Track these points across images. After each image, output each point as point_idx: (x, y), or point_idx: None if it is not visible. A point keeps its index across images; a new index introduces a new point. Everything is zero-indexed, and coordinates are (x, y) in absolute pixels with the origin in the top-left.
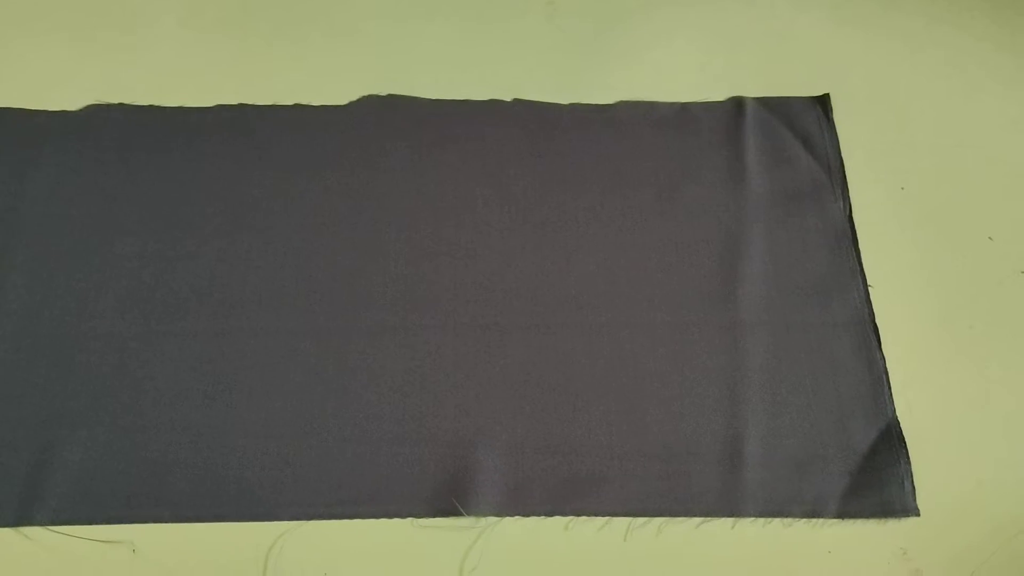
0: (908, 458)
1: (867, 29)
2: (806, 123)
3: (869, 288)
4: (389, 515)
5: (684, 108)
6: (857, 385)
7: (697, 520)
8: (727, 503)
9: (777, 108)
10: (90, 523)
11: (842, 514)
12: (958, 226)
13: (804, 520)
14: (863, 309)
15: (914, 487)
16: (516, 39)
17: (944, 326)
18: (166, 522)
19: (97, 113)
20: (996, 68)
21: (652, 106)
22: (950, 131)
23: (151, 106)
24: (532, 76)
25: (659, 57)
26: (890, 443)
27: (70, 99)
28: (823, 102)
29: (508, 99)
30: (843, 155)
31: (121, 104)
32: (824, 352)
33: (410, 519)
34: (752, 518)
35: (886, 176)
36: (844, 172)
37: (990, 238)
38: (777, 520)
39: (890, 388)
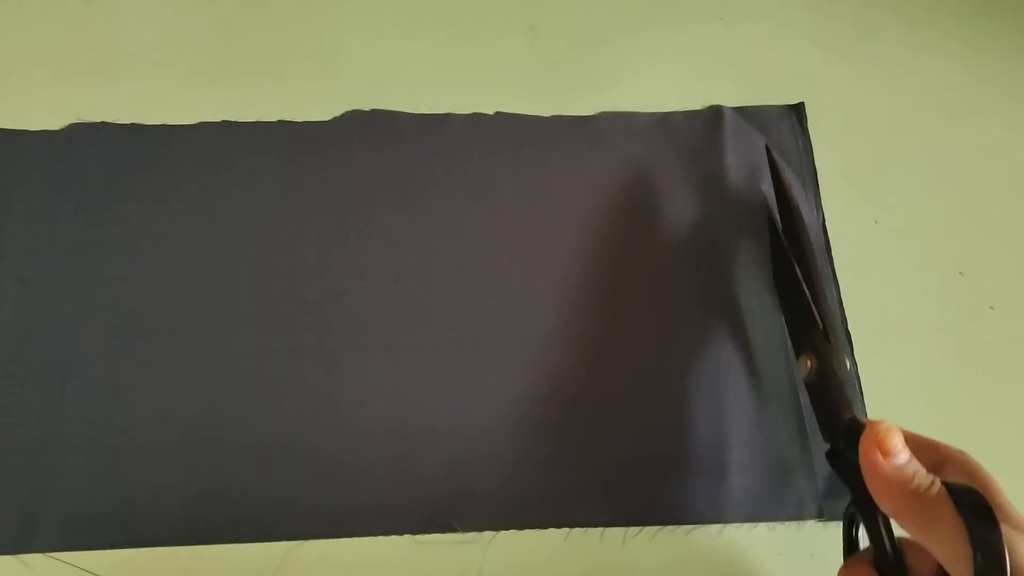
0: None
1: (845, 56)
2: (781, 131)
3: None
4: (386, 532)
5: (665, 118)
6: None
7: (687, 528)
8: (715, 510)
9: (753, 117)
10: (90, 549)
11: (822, 515)
12: (929, 261)
13: (786, 524)
14: (837, 315)
15: None
16: (498, 65)
17: (912, 361)
18: (164, 545)
19: (80, 132)
20: (972, 98)
21: (633, 117)
22: (924, 163)
23: (134, 124)
24: (514, 99)
25: (639, 82)
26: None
27: (51, 119)
28: (798, 110)
29: (490, 112)
30: (819, 188)
31: (103, 122)
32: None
33: (408, 536)
34: (738, 523)
35: (860, 210)
36: (817, 181)
37: (960, 273)
38: (762, 524)
39: (862, 393)
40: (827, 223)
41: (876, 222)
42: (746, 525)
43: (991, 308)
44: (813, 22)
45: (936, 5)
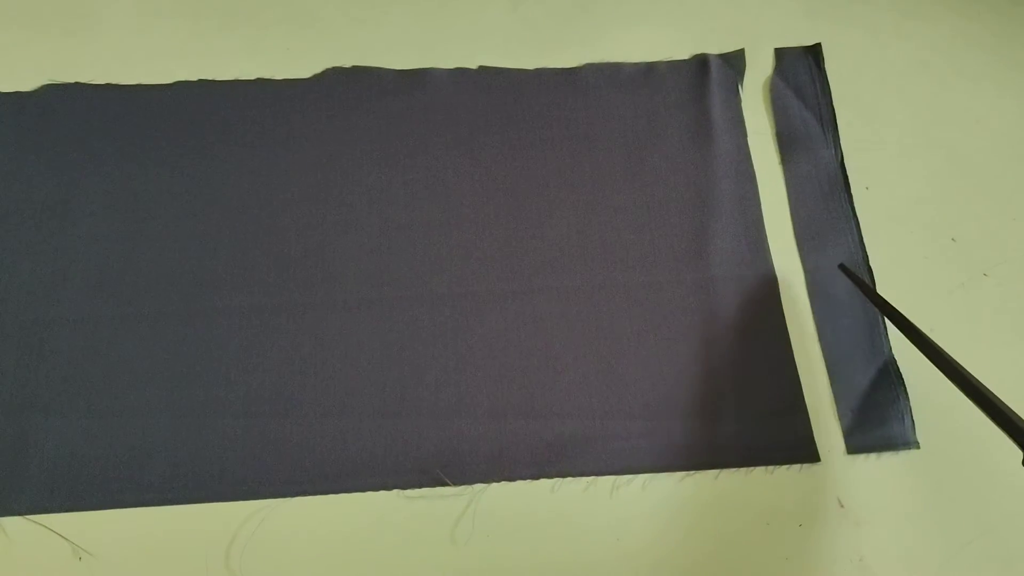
0: (907, 395)
1: (836, 21)
2: (797, 73)
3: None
4: (375, 488)
5: (650, 68)
6: (852, 327)
7: (680, 474)
8: (709, 456)
9: (736, 63)
10: (71, 510)
11: (847, 450)
12: (922, 227)
13: (785, 467)
14: (858, 252)
15: (914, 422)
16: (480, 29)
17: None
18: (148, 506)
19: (53, 92)
20: (963, 63)
21: (618, 67)
22: (915, 129)
23: (108, 84)
24: (496, 61)
25: (624, 45)
26: (888, 381)
27: (24, 80)
28: (815, 52)
29: (474, 67)
30: (837, 128)
31: (77, 83)
32: (819, 297)
33: (396, 491)
34: (734, 468)
35: (852, 175)
36: (835, 121)
37: (953, 239)
38: (760, 468)
39: (886, 329)
40: None
41: (867, 188)
42: (743, 469)
43: (984, 275)
44: None
45: None
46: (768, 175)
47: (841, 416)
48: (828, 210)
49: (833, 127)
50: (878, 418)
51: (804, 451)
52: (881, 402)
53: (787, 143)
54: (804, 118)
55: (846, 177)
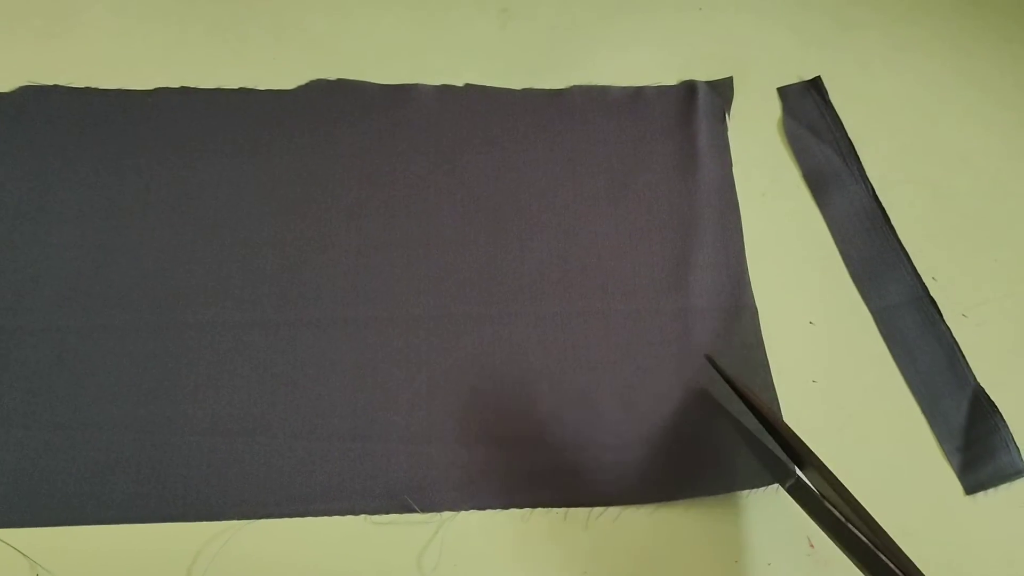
0: (1005, 422)
1: (826, 52)
2: (804, 108)
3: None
4: (342, 512)
5: (637, 92)
6: (933, 363)
7: (652, 507)
8: (683, 487)
9: (724, 91)
10: (32, 526)
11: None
12: None
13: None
14: (917, 287)
15: (1020, 448)
16: (468, 45)
17: (885, 370)
18: (110, 523)
19: (30, 94)
20: (952, 100)
21: (605, 90)
22: (900, 165)
23: (88, 88)
24: (483, 78)
25: (612, 67)
26: (983, 411)
27: (1, 80)
28: (816, 85)
29: (460, 84)
30: (859, 158)
31: (56, 85)
32: (894, 339)
33: (363, 516)
34: (707, 502)
35: None
36: (856, 152)
37: (934, 279)
38: (731, 505)
39: (966, 358)
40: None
41: None
42: (715, 505)
43: (964, 315)
44: (793, 16)
45: (921, 3)
46: (751, 205)
47: (950, 457)
48: (875, 247)
49: (855, 159)
50: (985, 452)
51: (766, 477)
52: (983, 435)
53: (817, 185)
54: (826, 155)
55: (883, 210)
